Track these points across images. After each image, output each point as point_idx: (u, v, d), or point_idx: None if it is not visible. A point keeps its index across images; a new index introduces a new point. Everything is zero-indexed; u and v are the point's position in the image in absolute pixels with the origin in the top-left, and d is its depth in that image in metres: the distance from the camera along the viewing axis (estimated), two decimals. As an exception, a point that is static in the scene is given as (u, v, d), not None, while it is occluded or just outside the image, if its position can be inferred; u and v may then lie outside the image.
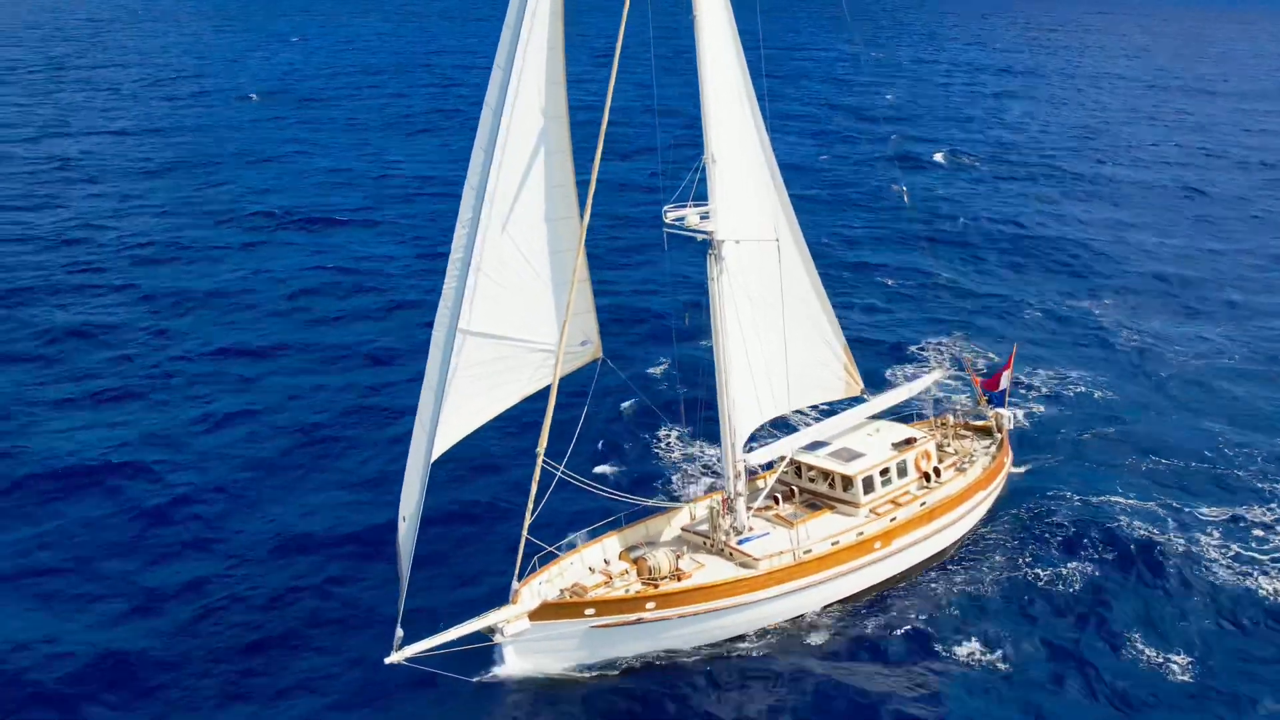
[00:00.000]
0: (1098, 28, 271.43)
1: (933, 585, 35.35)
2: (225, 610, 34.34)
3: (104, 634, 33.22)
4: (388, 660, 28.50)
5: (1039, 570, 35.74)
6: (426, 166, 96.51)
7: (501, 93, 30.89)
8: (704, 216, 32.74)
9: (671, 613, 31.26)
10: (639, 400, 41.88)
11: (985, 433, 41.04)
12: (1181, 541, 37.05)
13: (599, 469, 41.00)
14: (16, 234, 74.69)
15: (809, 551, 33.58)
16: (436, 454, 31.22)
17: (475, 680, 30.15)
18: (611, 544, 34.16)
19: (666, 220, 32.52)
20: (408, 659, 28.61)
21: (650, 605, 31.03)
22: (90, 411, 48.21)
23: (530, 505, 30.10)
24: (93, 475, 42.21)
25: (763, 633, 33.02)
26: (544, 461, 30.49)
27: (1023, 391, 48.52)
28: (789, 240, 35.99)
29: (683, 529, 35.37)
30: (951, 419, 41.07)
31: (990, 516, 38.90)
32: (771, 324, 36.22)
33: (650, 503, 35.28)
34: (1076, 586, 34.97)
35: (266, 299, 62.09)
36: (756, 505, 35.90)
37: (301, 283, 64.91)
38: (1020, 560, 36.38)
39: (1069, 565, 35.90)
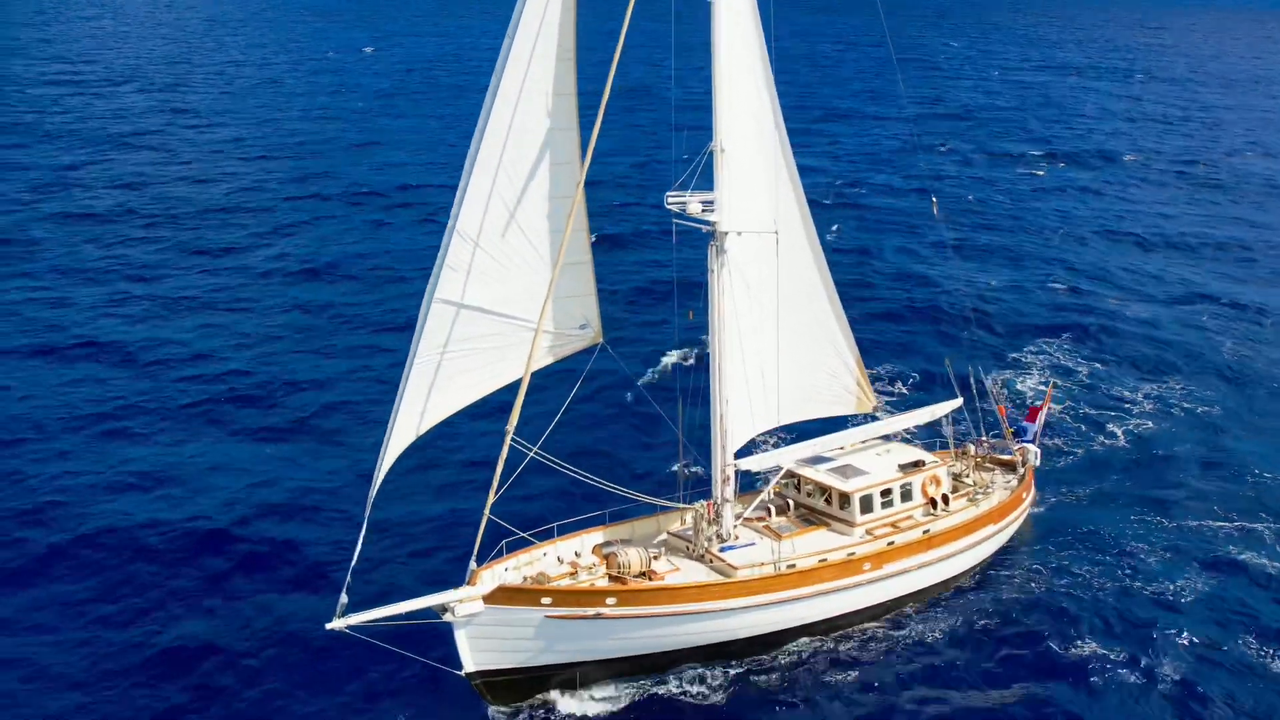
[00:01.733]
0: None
1: (922, 618, 33.29)
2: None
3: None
4: (328, 626, 27.68)
5: (1031, 622, 33.26)
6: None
7: (512, 68, 30.31)
8: (707, 205, 31.58)
9: (633, 611, 29.87)
10: (637, 391, 40.62)
11: (1010, 468, 38.82)
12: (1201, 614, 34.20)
13: (583, 457, 40.02)
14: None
15: (792, 566, 31.93)
16: (426, 427, 30.64)
17: (421, 661, 29.25)
18: (592, 539, 33.00)
19: (667, 205, 31.45)
20: (350, 627, 27.77)
21: (611, 601, 29.69)
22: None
23: (494, 484, 29.13)
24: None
25: (746, 648, 31.54)
26: (516, 441, 29.59)
27: (1077, 424, 46.18)
28: (802, 241, 34.62)
29: (669, 532, 34.01)
30: (973, 449, 38.92)
31: (1004, 553, 36.66)
32: (781, 326, 34.81)
33: (628, 493, 33.98)
34: (1070, 652, 32.06)
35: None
36: (747, 515, 34.36)
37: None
38: (1019, 604, 33.97)
39: (1068, 627, 33.14)
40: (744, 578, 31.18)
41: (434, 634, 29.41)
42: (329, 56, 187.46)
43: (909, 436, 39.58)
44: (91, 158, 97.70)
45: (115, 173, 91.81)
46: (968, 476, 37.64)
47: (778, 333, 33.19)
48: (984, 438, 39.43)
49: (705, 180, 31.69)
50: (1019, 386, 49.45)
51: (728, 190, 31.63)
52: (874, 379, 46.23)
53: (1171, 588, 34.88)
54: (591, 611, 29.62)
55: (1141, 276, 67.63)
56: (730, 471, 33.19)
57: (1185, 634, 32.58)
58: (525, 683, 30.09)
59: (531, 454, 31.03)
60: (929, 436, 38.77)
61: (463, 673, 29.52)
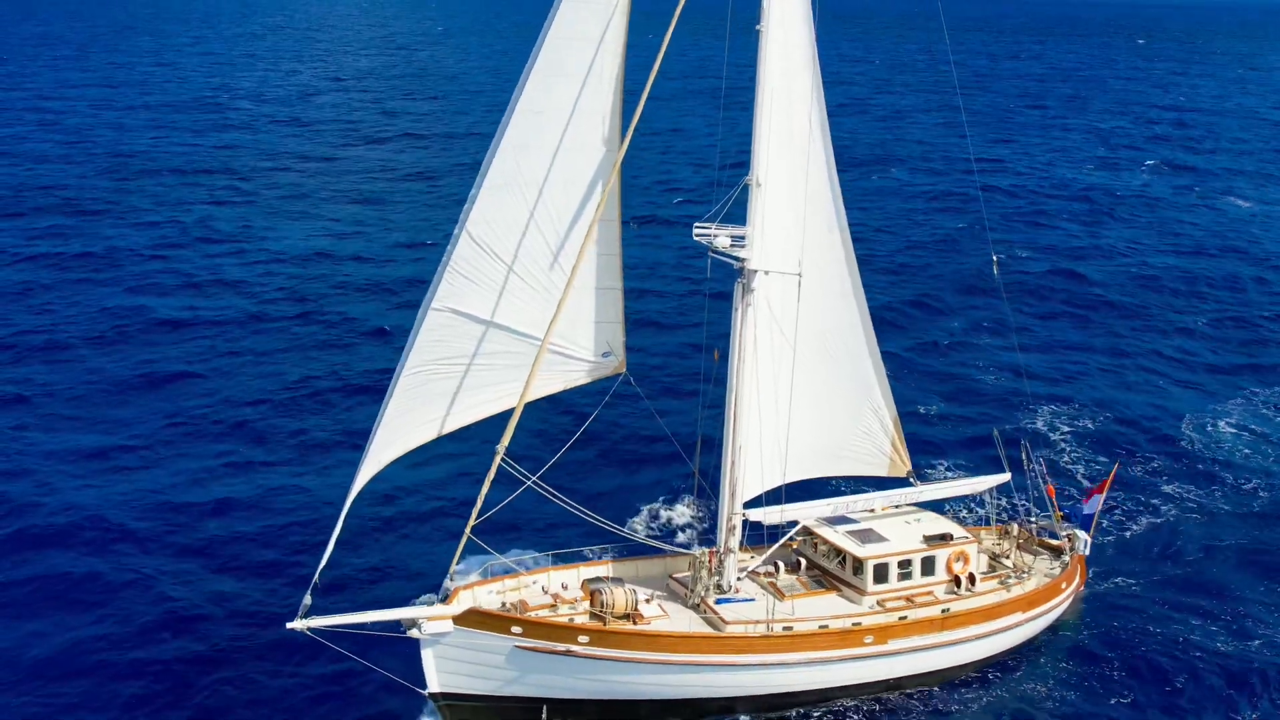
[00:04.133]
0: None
1: (924, 705, 30.98)
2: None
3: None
4: (289, 625, 27.19)
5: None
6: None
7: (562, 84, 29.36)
8: (737, 240, 30.21)
9: (606, 653, 28.56)
10: (656, 427, 38.81)
11: (1057, 553, 36.08)
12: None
13: (593, 487, 39.02)
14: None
15: (789, 628, 30.13)
16: (429, 438, 30.06)
17: (385, 674, 28.54)
18: (590, 572, 31.86)
19: (695, 236, 30.20)
20: (311, 629, 27.22)
21: (583, 639, 28.44)
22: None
23: (478, 505, 28.27)
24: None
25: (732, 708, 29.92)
26: (510, 466, 28.74)
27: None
28: (845, 288, 32.90)
29: (673, 577, 32.59)
30: (1017, 529, 36.29)
31: (1036, 645, 33.98)
32: (812, 375, 33.11)
33: (623, 532, 32.75)
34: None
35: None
36: (755, 568, 32.68)
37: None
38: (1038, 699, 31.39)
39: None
40: (730, 634, 29.55)
41: (403, 646, 28.63)
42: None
43: (950, 508, 37.05)
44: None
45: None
46: (1007, 558, 35.11)
47: (792, 378, 31.38)
48: (1033, 518, 36.76)
49: (740, 213, 30.36)
50: (1073, 468, 46.04)
51: (759, 227, 30.21)
52: (918, 447, 43.86)
53: None
54: (562, 647, 28.43)
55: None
56: (737, 521, 31.60)
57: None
58: (488, 711, 29.08)
59: (529, 483, 30.12)
60: (970, 507, 36.26)
61: (426, 692, 28.73)
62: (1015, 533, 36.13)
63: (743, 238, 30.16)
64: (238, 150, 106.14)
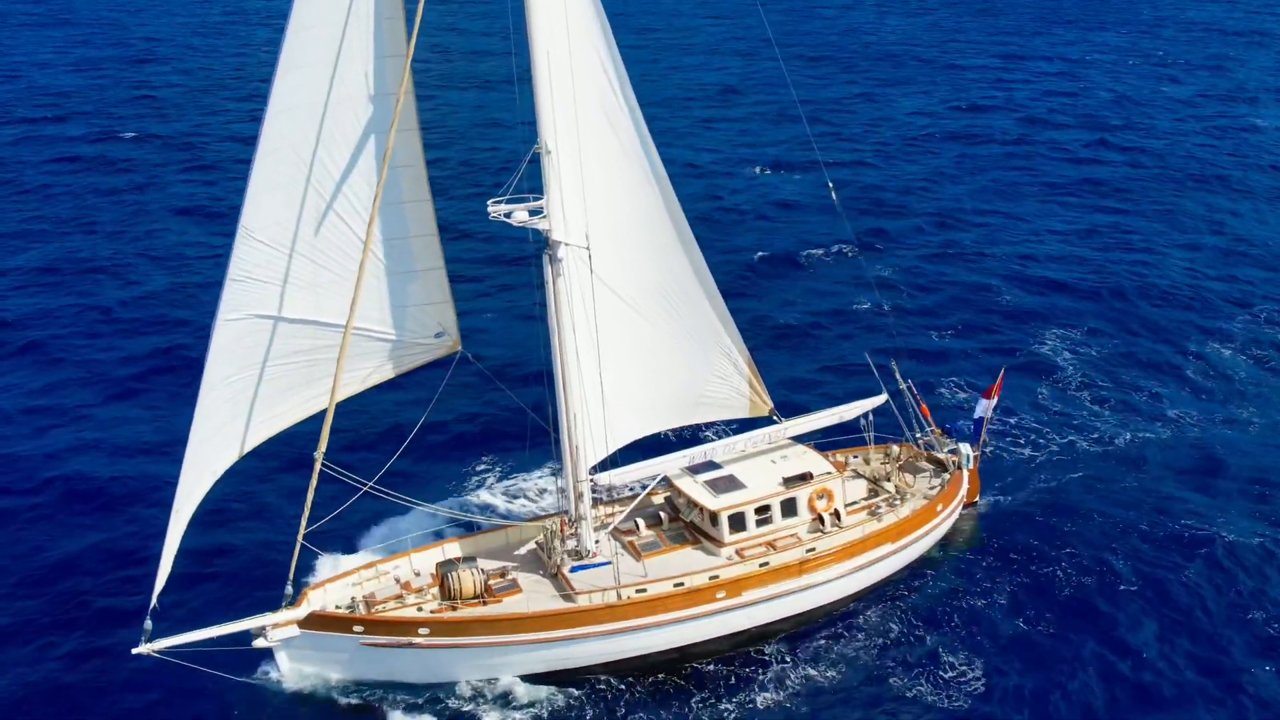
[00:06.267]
0: None
1: (785, 651, 30.89)
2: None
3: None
4: (134, 650, 28.07)
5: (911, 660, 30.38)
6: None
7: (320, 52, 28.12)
8: (535, 213, 29.29)
9: (447, 641, 29.05)
10: (504, 398, 37.43)
11: (944, 467, 35.34)
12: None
13: (444, 472, 38.76)
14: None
15: (643, 590, 30.20)
16: (255, 443, 30.16)
17: (242, 679, 29.40)
18: (451, 550, 32.21)
19: (490, 214, 29.33)
20: (158, 651, 28.09)
21: (424, 631, 28.94)
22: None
23: (305, 512, 28.56)
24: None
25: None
26: (331, 469, 28.89)
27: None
28: (672, 241, 31.87)
29: (536, 542, 32.77)
30: (897, 448, 35.49)
31: (917, 568, 33.65)
32: (657, 329, 32.45)
33: (467, 517, 32.96)
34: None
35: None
36: (617, 525, 32.67)
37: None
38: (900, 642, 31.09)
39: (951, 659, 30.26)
40: (576, 606, 29.73)
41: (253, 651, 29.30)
42: None
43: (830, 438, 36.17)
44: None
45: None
46: (890, 480, 34.49)
47: (597, 345, 30.57)
48: (918, 435, 35.88)
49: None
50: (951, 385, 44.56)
51: (556, 196, 29.20)
52: (787, 383, 43.00)
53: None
54: (404, 641, 28.99)
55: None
56: (584, 487, 31.44)
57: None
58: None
59: (366, 488, 30.30)
60: (849, 432, 35.47)
61: (286, 689, 29.66)
62: (895, 453, 35.39)
63: (541, 210, 29.22)
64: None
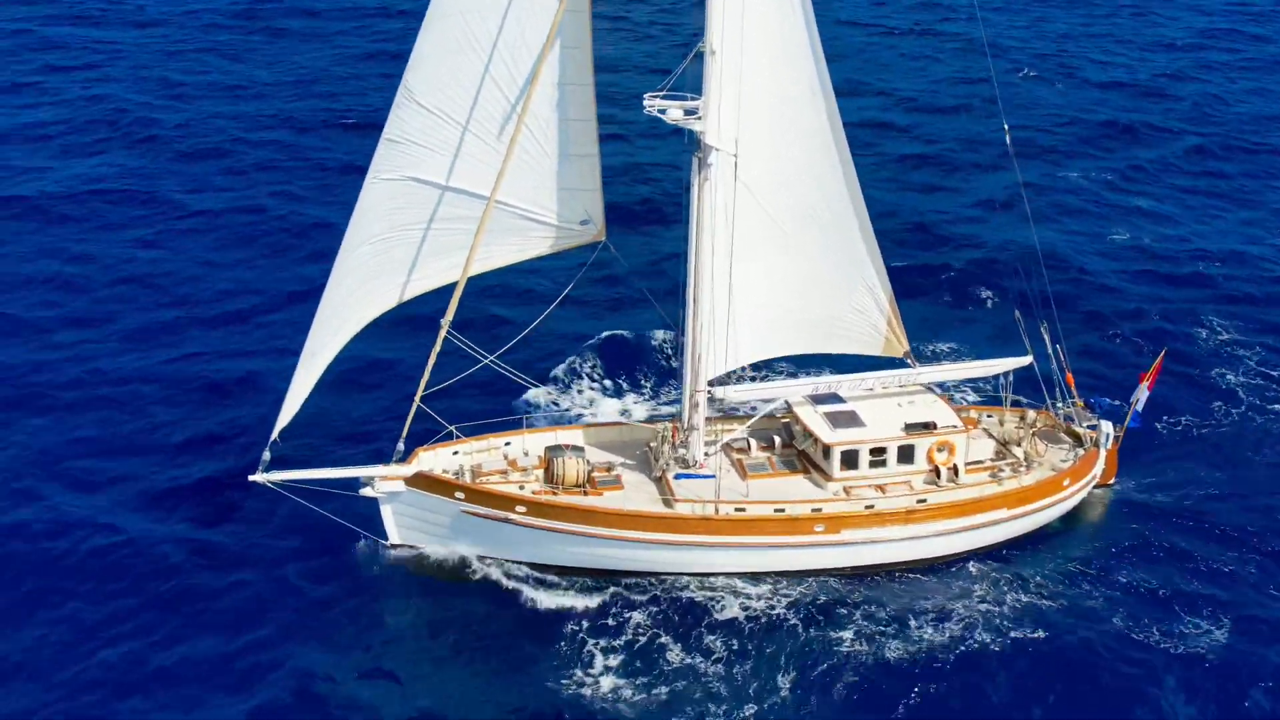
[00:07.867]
0: None
1: (872, 597, 30.08)
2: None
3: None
4: (251, 478, 29.59)
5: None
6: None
7: None
8: (690, 113, 28.67)
9: (541, 523, 29.53)
10: (635, 298, 36.91)
11: (1083, 443, 33.53)
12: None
13: (561, 360, 38.49)
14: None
15: (741, 509, 29.94)
16: (394, 303, 31.04)
17: (357, 533, 30.59)
18: (565, 437, 32.62)
19: (646, 109, 28.87)
20: (273, 482, 29.57)
21: (520, 509, 29.48)
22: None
23: (425, 375, 29.35)
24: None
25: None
26: (456, 338, 29.47)
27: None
28: (832, 162, 30.73)
29: (649, 443, 32.84)
30: (1035, 415, 33.81)
31: (1033, 539, 32.20)
32: (801, 250, 31.58)
33: (585, 411, 33.02)
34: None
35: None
36: (729, 440, 32.36)
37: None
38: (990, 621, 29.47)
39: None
40: (672, 513, 29.73)
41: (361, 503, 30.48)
42: None
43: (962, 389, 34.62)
44: None
45: None
46: (1019, 445, 32.98)
47: (730, 263, 29.82)
48: (1059, 405, 34.06)
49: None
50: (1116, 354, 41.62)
51: (714, 98, 28.48)
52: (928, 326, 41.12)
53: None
54: (501, 514, 29.62)
55: None
56: (700, 398, 31.19)
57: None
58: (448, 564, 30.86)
59: (486, 361, 30.82)
60: (990, 388, 33.96)
61: (388, 543, 30.86)
62: (1031, 419, 33.74)
63: (696, 110, 28.60)
64: None
